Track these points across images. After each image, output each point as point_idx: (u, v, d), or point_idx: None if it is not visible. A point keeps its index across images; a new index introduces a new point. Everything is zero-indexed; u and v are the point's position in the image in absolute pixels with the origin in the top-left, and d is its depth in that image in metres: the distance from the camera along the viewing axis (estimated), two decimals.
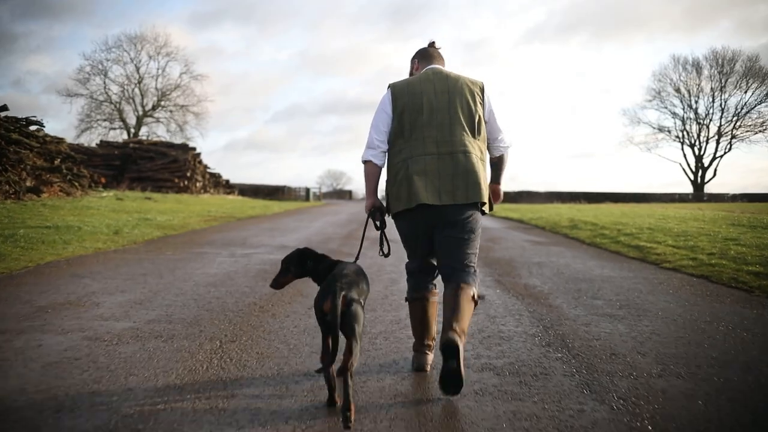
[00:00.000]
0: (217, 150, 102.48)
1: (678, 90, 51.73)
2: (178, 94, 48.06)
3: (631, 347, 3.49)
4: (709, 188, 52.63)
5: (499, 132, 3.04)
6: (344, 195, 70.88)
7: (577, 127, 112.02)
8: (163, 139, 41.75)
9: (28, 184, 15.48)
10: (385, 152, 3.00)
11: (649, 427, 2.36)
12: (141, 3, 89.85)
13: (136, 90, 47.34)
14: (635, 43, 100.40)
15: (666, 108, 52.77)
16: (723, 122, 51.32)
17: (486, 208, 2.99)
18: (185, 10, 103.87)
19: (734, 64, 50.00)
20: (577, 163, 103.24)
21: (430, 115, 2.89)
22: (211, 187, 33.07)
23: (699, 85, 51.12)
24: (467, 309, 2.77)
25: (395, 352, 3.36)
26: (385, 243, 3.10)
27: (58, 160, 17.61)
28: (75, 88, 44.92)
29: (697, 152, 52.92)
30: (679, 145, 53.45)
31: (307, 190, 45.35)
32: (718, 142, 51.95)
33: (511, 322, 4.13)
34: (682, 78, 51.69)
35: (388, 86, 3.02)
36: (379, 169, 3.00)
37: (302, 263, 2.88)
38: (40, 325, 3.68)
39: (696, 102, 51.66)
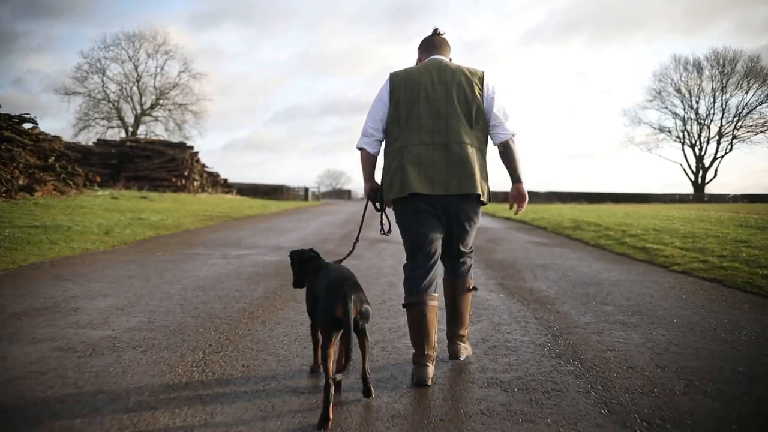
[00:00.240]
0: (217, 150, 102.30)
1: (679, 90, 51.51)
2: (176, 92, 47.88)
3: (648, 359, 3.22)
4: (709, 189, 52.43)
5: (498, 118, 2.96)
6: (343, 195, 70.58)
7: (577, 127, 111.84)
8: (162, 138, 41.52)
9: (20, 182, 15.20)
10: (379, 140, 3.01)
11: None
12: (141, 3, 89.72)
13: (135, 88, 47.12)
14: (635, 44, 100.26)
15: (667, 108, 52.56)
16: (724, 123, 51.11)
17: (484, 199, 2.96)
18: (185, 10, 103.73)
19: (735, 64, 49.77)
20: (577, 163, 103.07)
21: (427, 105, 2.89)
22: (209, 187, 32.78)
23: (700, 85, 50.91)
24: (467, 304, 3.13)
25: (393, 365, 3.09)
26: (385, 221, 3.16)
27: (52, 158, 17.32)
28: (73, 87, 44.71)
29: (697, 153, 52.69)
30: (680, 145, 53.24)
31: (306, 189, 45.06)
32: (719, 143, 51.74)
33: (518, 331, 3.86)
34: (682, 78, 51.48)
35: (389, 75, 3.01)
36: (373, 156, 3.03)
37: (303, 265, 2.99)
38: (10, 334, 3.40)
39: (697, 102, 51.44)
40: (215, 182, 34.17)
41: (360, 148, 3.03)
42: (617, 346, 3.49)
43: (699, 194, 50.35)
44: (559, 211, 18.95)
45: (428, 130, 2.88)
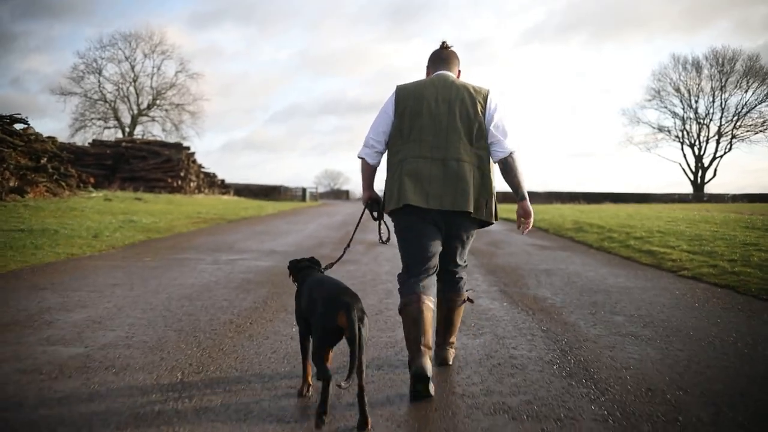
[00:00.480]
0: (215, 150, 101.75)
1: (678, 89, 51.27)
2: (173, 92, 47.51)
3: (669, 380, 2.95)
4: (708, 188, 52.22)
5: (495, 137, 2.98)
6: (341, 195, 70.29)
7: (576, 127, 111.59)
8: (159, 139, 41.21)
9: (11, 184, 14.91)
10: (380, 152, 3.08)
11: None
12: (141, 3, 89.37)
13: (131, 88, 46.75)
14: (634, 43, 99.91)
15: (666, 108, 52.32)
16: (723, 122, 50.90)
17: (487, 219, 3.00)
18: (185, 11, 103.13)
19: (735, 64, 49.54)
20: (576, 163, 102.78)
21: (429, 120, 2.94)
22: (206, 187, 32.48)
23: (699, 84, 50.69)
24: (459, 318, 3.19)
25: (390, 387, 2.82)
26: (384, 229, 3.20)
27: (45, 159, 17.03)
28: (69, 87, 44.35)
29: (697, 152, 52.48)
30: (679, 145, 53.03)
31: (304, 190, 44.77)
32: (718, 142, 51.52)
33: (524, 345, 3.59)
34: (682, 77, 51.24)
35: (396, 88, 3.06)
36: (372, 167, 3.10)
37: (298, 274, 2.93)
38: None
39: (696, 102, 51.22)
40: (212, 183, 33.87)
41: (361, 158, 3.10)
42: (632, 364, 3.22)
43: (698, 194, 50.14)
44: (559, 212, 18.69)
45: (428, 144, 2.93)
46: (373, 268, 6.75)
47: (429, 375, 2.62)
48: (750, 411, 2.57)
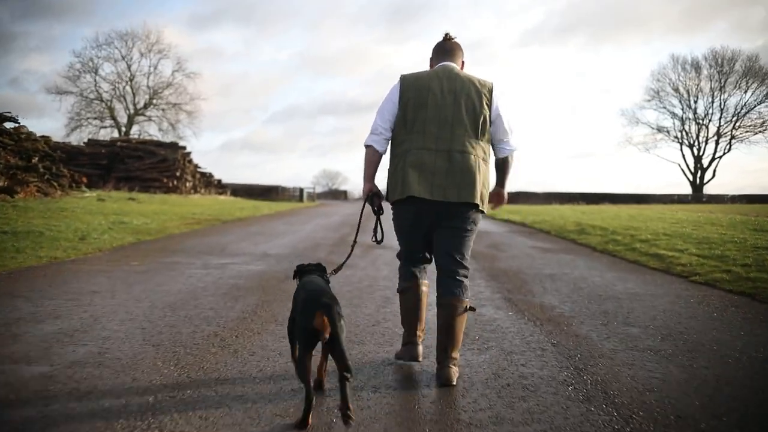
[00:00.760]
0: (214, 150, 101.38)
1: (677, 90, 51.05)
2: (170, 92, 47.16)
3: (699, 405, 2.65)
4: (707, 189, 51.98)
5: (504, 134, 3.02)
6: (339, 195, 70.00)
7: (575, 127, 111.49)
8: (155, 138, 40.82)
9: (0, 183, 14.58)
10: (388, 139, 3.04)
11: None
12: (141, 3, 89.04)
13: (128, 88, 46.40)
14: (633, 44, 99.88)
15: (665, 108, 52.11)
16: (722, 122, 50.67)
17: (485, 209, 3.01)
18: (185, 10, 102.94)
19: (734, 64, 49.35)
20: (575, 163, 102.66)
21: (434, 111, 2.91)
22: (202, 187, 32.13)
23: (698, 85, 50.49)
24: (461, 328, 2.97)
25: (387, 414, 2.51)
26: (379, 230, 3.15)
27: (36, 158, 16.69)
28: (65, 86, 43.93)
29: (696, 153, 52.26)
30: (678, 145, 52.81)
31: (301, 190, 44.42)
32: (717, 143, 51.32)
33: (534, 362, 3.29)
34: (681, 78, 51.04)
35: (400, 77, 3.02)
36: (380, 155, 3.06)
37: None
38: None
39: (695, 102, 51.02)
40: (208, 183, 33.52)
41: (368, 146, 3.04)
42: (656, 385, 2.91)
43: (697, 194, 49.92)
44: (560, 213, 18.40)
45: (433, 136, 2.90)
46: (370, 272, 6.45)
47: (419, 360, 3.13)
48: None
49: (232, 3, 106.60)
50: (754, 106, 49.03)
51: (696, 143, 51.98)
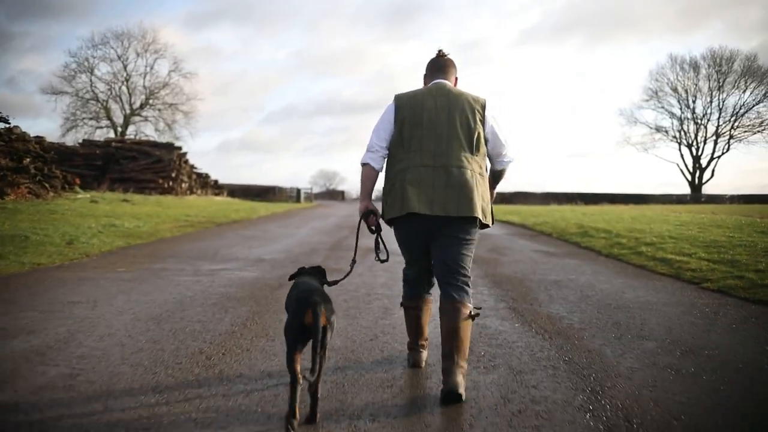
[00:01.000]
0: (211, 150, 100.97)
1: (675, 89, 50.89)
2: (166, 92, 46.80)
3: None
4: (704, 189, 51.78)
5: (501, 147, 3.09)
6: (336, 195, 69.70)
7: (572, 127, 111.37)
8: (151, 139, 40.49)
9: None
10: (384, 157, 3.08)
11: None
12: (139, 3, 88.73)
13: (124, 88, 46.03)
14: (630, 44, 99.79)
15: (663, 108, 51.95)
16: (721, 122, 50.51)
17: (488, 222, 3.04)
18: (184, 10, 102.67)
19: (732, 64, 49.20)
20: (572, 163, 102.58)
21: (430, 128, 2.96)
22: (198, 188, 31.82)
23: (696, 84, 50.33)
24: (466, 334, 2.89)
25: None
26: (381, 248, 3.15)
27: (27, 159, 16.39)
28: (60, 86, 43.54)
29: (694, 153, 52.10)
30: (676, 145, 52.63)
31: (298, 191, 44.11)
32: (715, 143, 51.16)
33: (546, 382, 3.02)
34: (679, 77, 50.86)
35: (394, 97, 3.09)
36: (377, 173, 3.10)
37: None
38: None
39: (693, 102, 50.85)
40: (205, 183, 33.22)
41: (364, 164, 3.08)
42: (682, 411, 2.64)
43: (696, 195, 49.75)
44: (561, 215, 18.14)
45: (430, 153, 2.94)
46: (367, 279, 6.17)
47: (422, 365, 3.23)
48: None
49: (230, 2, 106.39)
50: (753, 106, 48.94)
51: (694, 143, 51.83)
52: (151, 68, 46.48)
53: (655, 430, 2.44)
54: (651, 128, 52.81)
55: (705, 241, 8.99)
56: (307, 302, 2.42)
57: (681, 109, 51.30)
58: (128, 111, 46.05)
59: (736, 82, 49.04)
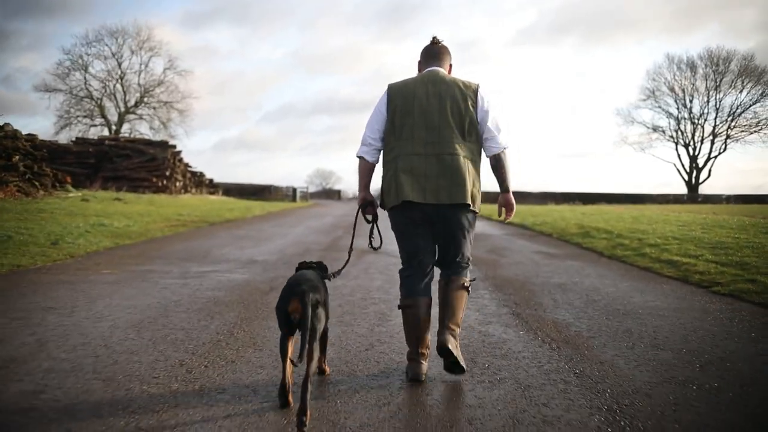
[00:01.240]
0: (207, 149, 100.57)
1: (672, 89, 50.70)
2: (161, 90, 46.37)
3: None
4: (701, 189, 51.67)
5: (491, 132, 3.02)
6: (333, 195, 69.37)
7: (569, 126, 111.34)
8: (147, 137, 40.10)
9: None
10: (378, 149, 3.10)
11: None
12: (137, 2, 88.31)
13: (118, 86, 45.56)
14: (626, 44, 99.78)
15: (660, 107, 51.77)
16: (718, 122, 50.38)
17: (476, 209, 3.03)
18: (181, 10, 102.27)
19: (729, 63, 49.05)
20: (568, 162, 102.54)
21: (421, 116, 2.96)
22: (193, 187, 31.47)
23: (693, 84, 50.17)
24: (460, 301, 3.02)
25: None
26: (375, 235, 3.24)
27: (17, 157, 16.05)
28: (54, 84, 43.07)
29: (691, 152, 51.94)
30: (673, 145, 52.49)
31: (294, 189, 43.78)
32: (712, 143, 51.03)
33: (557, 399, 2.76)
34: (676, 77, 50.69)
35: (387, 87, 3.09)
36: (371, 165, 3.12)
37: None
38: None
39: (690, 101, 50.69)
40: (199, 182, 32.87)
41: (359, 157, 3.12)
42: None
43: (693, 194, 49.63)
44: (560, 215, 17.90)
45: (422, 140, 2.95)
46: (363, 282, 5.90)
47: (422, 379, 2.94)
48: None
49: (227, 2, 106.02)
50: (750, 106, 48.80)
51: (691, 143, 51.68)
52: (146, 66, 46.10)
53: None
54: (648, 128, 52.65)
55: (710, 242, 8.75)
56: (292, 291, 2.49)
57: (678, 108, 51.19)
58: (123, 109, 45.63)
59: (733, 81, 48.92)
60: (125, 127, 45.62)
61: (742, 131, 49.89)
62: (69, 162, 25.94)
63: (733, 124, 49.98)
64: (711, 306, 5.05)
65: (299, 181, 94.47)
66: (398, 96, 3.02)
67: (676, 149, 52.52)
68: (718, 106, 49.99)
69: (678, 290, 5.85)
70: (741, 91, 48.69)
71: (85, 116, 44.77)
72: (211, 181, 34.52)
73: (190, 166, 31.76)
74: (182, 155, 30.69)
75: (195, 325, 3.99)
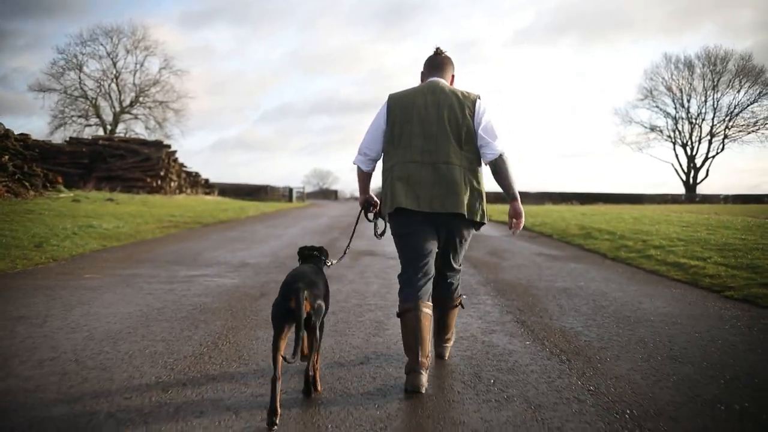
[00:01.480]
0: (206, 149, 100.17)
1: (670, 89, 50.54)
2: (157, 89, 46.00)
3: None
4: (699, 189, 51.51)
5: (485, 138, 3.02)
6: (330, 195, 69.05)
7: (567, 126, 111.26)
8: (142, 137, 39.73)
9: None
10: (373, 160, 3.17)
11: None
12: (135, 3, 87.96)
13: (113, 85, 45.19)
14: (623, 44, 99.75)
15: (658, 107, 51.62)
16: (715, 122, 50.24)
17: (476, 218, 3.03)
18: (180, 10, 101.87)
19: (727, 63, 48.92)
20: (565, 162, 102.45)
21: (419, 125, 2.99)
22: (188, 187, 31.12)
23: (691, 84, 50.02)
24: (454, 318, 3.33)
25: None
26: (380, 224, 3.31)
27: (6, 157, 15.73)
28: (48, 83, 42.65)
29: (689, 152, 51.80)
30: (671, 145, 52.33)
31: (290, 190, 43.44)
32: (710, 142, 50.89)
33: (572, 422, 2.48)
34: (674, 76, 50.54)
35: (388, 97, 3.13)
36: (366, 173, 3.22)
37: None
38: None
39: (688, 101, 50.54)
40: (195, 183, 32.52)
41: (356, 165, 3.21)
42: None
43: (691, 194, 49.49)
44: (559, 215, 17.63)
45: (418, 149, 2.98)
46: (358, 287, 5.62)
47: (422, 391, 2.77)
48: None
49: (226, 2, 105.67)
50: (747, 106, 48.69)
51: (689, 143, 51.53)
52: (141, 65, 45.75)
53: None
54: (646, 128, 52.51)
55: (717, 243, 8.49)
56: (290, 288, 2.51)
57: (675, 108, 51.05)
58: (118, 109, 45.27)
59: (730, 81, 48.81)
60: (120, 127, 45.31)
61: (740, 131, 49.80)
62: (62, 162, 25.57)
63: (730, 123, 49.89)
64: (726, 312, 4.78)
65: (298, 181, 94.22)
66: (398, 106, 3.06)
67: (674, 149, 52.45)
68: (715, 106, 49.91)
69: (688, 295, 5.59)
70: (739, 91, 48.62)
71: (79, 116, 44.41)
72: (206, 181, 34.18)
73: (185, 166, 31.43)
74: (177, 155, 30.34)
75: (177, 336, 3.70)
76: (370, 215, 3.33)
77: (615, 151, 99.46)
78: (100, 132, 42.60)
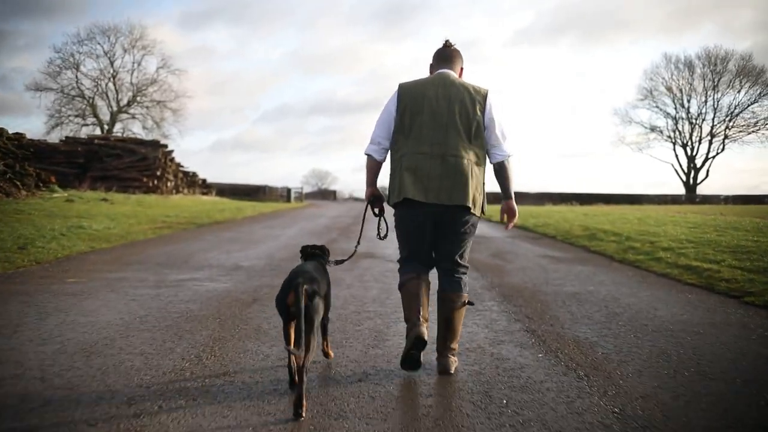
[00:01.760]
0: (205, 149, 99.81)
1: (670, 89, 50.26)
2: (154, 89, 45.62)
3: None
4: (699, 189, 51.23)
5: (497, 139, 3.06)
6: (328, 195, 68.66)
7: (566, 126, 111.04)
8: (139, 137, 39.37)
9: None
10: (386, 149, 3.16)
11: None
12: (135, 3, 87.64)
13: (110, 85, 44.80)
14: (622, 45, 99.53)
15: (658, 107, 51.36)
16: (716, 122, 49.96)
17: (476, 212, 3.05)
18: (179, 10, 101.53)
19: (727, 63, 48.66)
20: (564, 162, 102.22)
21: (430, 117, 3.00)
22: (185, 187, 30.77)
23: (691, 84, 49.76)
24: (460, 319, 3.12)
25: None
26: (383, 226, 3.34)
27: None
28: (44, 82, 42.26)
29: (689, 152, 51.53)
30: (671, 145, 52.06)
31: (288, 190, 43.10)
32: (710, 143, 50.63)
33: None
34: (674, 77, 50.27)
35: (398, 86, 3.13)
36: (378, 163, 3.18)
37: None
38: None
39: (688, 101, 50.28)
40: (192, 182, 32.17)
41: (367, 155, 3.17)
42: None
43: (691, 195, 49.22)
44: (561, 216, 17.32)
45: (428, 140, 2.99)
46: (357, 292, 5.31)
47: (426, 340, 2.86)
48: None
49: (225, 2, 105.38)
50: (748, 106, 48.44)
51: (689, 143, 51.27)
52: (139, 65, 45.37)
53: None
54: (645, 128, 52.25)
55: (729, 245, 8.18)
56: (290, 284, 2.59)
57: (675, 108, 50.79)
58: (115, 108, 44.90)
59: (730, 81, 48.56)
60: (118, 127, 44.94)
61: (740, 131, 49.55)
62: (58, 161, 25.23)
63: (731, 124, 49.65)
64: (750, 321, 4.47)
65: (297, 181, 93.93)
66: (408, 95, 3.06)
67: (674, 149, 52.17)
68: (716, 106, 49.66)
69: (706, 301, 5.28)
70: (739, 91, 48.37)
71: (76, 115, 44.04)
72: (204, 181, 33.84)
73: (183, 166, 31.09)
74: (174, 155, 30.04)
75: (158, 348, 3.39)
76: (377, 210, 3.33)
77: (615, 151, 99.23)
78: (98, 132, 42.24)
